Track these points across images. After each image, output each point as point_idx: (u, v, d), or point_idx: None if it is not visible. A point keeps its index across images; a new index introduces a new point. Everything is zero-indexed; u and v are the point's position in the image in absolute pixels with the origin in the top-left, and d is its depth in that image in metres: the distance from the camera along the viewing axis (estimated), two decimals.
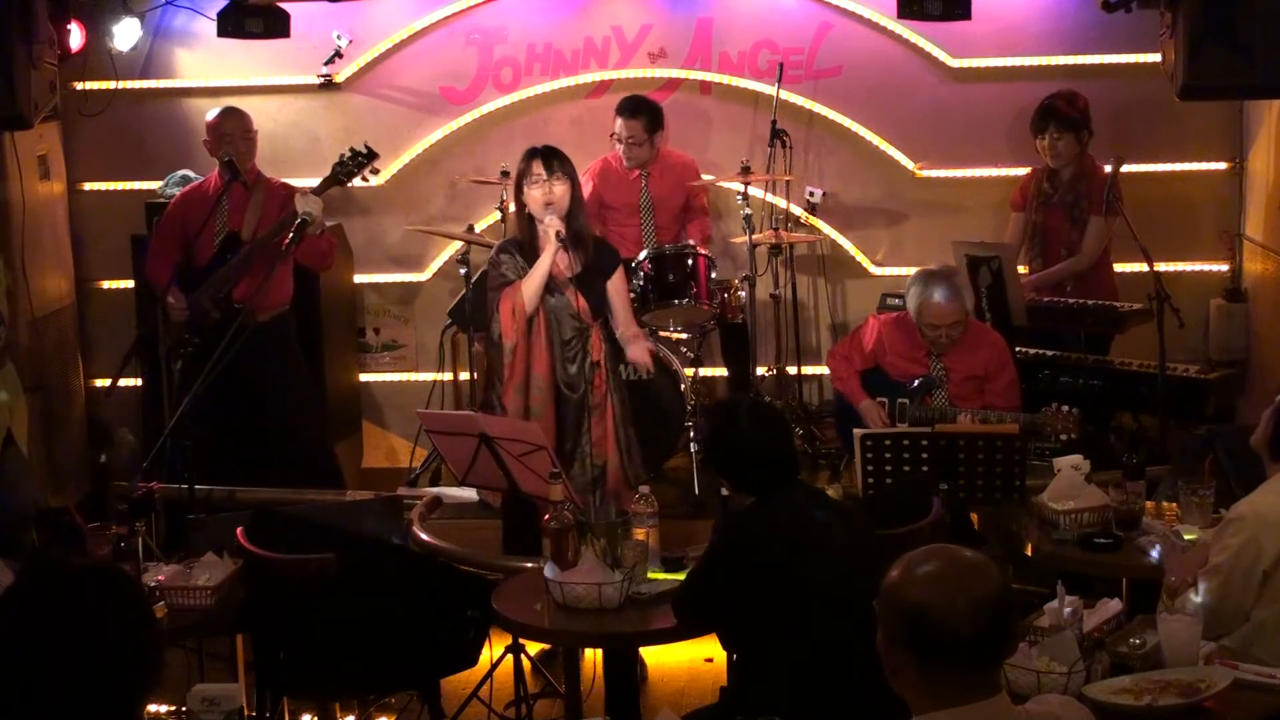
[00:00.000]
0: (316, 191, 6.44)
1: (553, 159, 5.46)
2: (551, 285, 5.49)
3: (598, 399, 5.52)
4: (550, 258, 5.42)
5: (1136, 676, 3.54)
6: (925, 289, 5.96)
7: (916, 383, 6.03)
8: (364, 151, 6.58)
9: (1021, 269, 7.03)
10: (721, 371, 7.62)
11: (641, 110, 7.24)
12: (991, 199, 7.60)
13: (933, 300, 5.93)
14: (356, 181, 6.76)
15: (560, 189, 5.43)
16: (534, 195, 5.45)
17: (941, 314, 5.94)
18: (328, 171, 6.63)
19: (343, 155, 6.58)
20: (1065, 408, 5.74)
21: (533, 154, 5.49)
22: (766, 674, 3.93)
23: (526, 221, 5.54)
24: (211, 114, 6.87)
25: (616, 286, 5.62)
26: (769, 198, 7.69)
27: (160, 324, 6.80)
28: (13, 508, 5.63)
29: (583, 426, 5.51)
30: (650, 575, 4.42)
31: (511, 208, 7.21)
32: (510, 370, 5.53)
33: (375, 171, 6.84)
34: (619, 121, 7.23)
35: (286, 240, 6.30)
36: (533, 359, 5.49)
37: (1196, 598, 3.85)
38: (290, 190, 6.70)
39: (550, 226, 5.40)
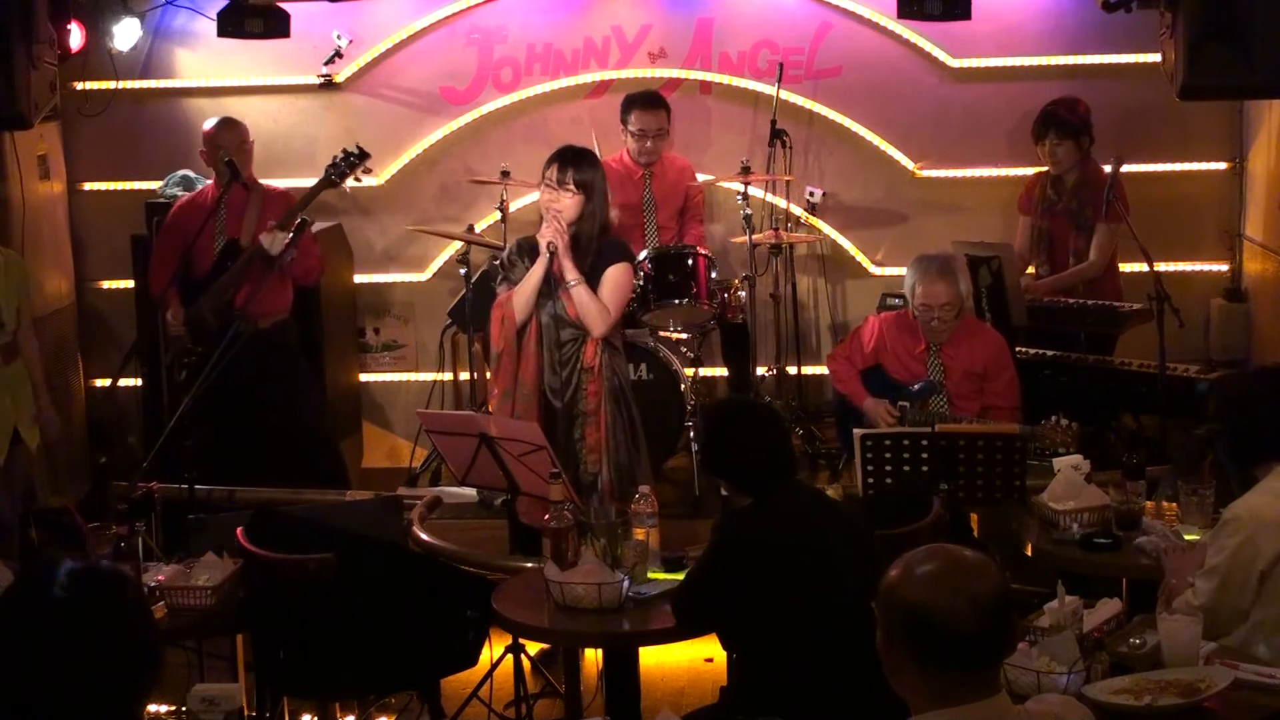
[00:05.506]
0: (308, 196, 6.40)
1: (569, 168, 5.29)
2: (550, 290, 5.37)
3: (591, 406, 5.37)
4: (541, 271, 5.30)
5: (1136, 676, 3.53)
6: (919, 269, 6.00)
7: (917, 387, 6.02)
8: (355, 152, 6.49)
9: (1029, 270, 7.04)
10: (721, 371, 7.62)
11: (661, 102, 7.28)
12: (991, 199, 7.60)
13: (926, 278, 5.95)
14: (351, 182, 6.72)
15: (568, 200, 5.29)
16: (542, 197, 5.36)
17: (935, 293, 5.93)
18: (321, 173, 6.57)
19: (335, 158, 6.51)
20: (1065, 421, 5.71)
21: (554, 157, 5.34)
22: (766, 674, 3.93)
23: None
24: (208, 124, 6.83)
25: (609, 277, 5.33)
26: (769, 198, 7.69)
27: (162, 333, 6.79)
28: (16, 507, 5.64)
29: (574, 434, 5.37)
30: (650, 575, 4.43)
31: (512, 208, 7.27)
32: (496, 376, 5.50)
33: (368, 171, 6.75)
34: (636, 114, 7.21)
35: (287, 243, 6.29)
36: (521, 365, 5.40)
37: (1195, 600, 3.85)
38: (289, 197, 6.68)
39: (542, 238, 5.31)
